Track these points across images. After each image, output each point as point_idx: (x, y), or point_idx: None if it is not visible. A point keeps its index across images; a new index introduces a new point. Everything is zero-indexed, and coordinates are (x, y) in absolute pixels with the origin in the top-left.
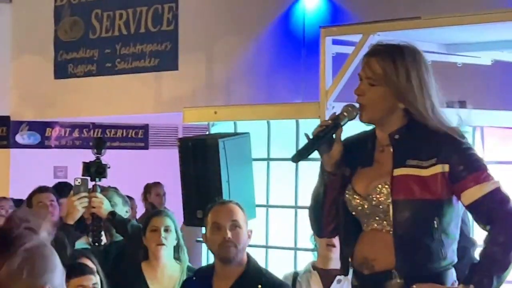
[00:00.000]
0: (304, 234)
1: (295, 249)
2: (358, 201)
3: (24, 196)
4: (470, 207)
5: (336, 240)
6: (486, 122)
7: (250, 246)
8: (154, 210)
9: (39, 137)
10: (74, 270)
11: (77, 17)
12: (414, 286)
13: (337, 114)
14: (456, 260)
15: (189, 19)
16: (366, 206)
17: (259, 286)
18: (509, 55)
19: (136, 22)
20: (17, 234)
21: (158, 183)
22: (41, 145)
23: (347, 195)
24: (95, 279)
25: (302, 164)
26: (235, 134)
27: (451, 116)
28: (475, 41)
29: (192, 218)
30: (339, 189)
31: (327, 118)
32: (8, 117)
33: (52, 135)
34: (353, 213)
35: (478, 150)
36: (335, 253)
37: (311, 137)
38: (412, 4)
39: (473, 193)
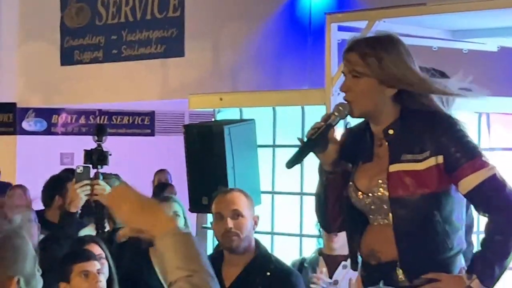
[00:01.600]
0: (310, 221)
1: (301, 235)
2: (361, 197)
3: (30, 183)
4: (468, 196)
5: None
6: (492, 109)
7: (255, 232)
8: (162, 196)
9: (45, 123)
10: (78, 255)
11: (83, 4)
12: (422, 277)
13: (328, 114)
14: (465, 246)
15: (195, 6)
16: (368, 202)
17: (268, 273)
18: None
19: (142, 9)
20: None
21: (164, 170)
22: (47, 131)
23: (349, 192)
24: (99, 264)
25: None
26: (241, 120)
27: (456, 103)
28: (481, 27)
29: (197, 204)
30: (341, 186)
31: (332, 104)
32: (14, 104)
33: (59, 122)
34: (359, 208)
35: (485, 137)
36: (336, 243)
37: (305, 140)
38: None
39: (470, 182)
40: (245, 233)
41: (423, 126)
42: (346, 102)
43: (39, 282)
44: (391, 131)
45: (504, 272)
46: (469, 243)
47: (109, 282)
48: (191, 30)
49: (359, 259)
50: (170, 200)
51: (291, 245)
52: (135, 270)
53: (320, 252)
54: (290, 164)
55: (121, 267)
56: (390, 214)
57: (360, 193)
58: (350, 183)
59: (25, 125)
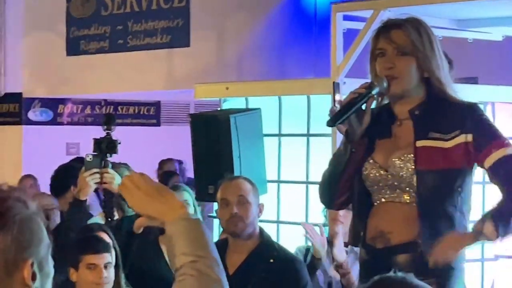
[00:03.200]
0: (315, 209)
1: None
2: (378, 172)
3: (36, 173)
4: (491, 168)
5: (341, 217)
6: (497, 98)
7: (261, 221)
8: (172, 185)
9: (51, 114)
10: (88, 246)
11: None
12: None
13: (368, 83)
14: None
15: None
16: (386, 178)
17: (271, 260)
18: None
19: None
20: (9, 205)
21: (171, 159)
22: (53, 122)
23: (366, 167)
24: (109, 257)
25: (313, 140)
26: (247, 110)
27: (462, 92)
28: (486, 16)
29: (203, 193)
30: (360, 161)
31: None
32: (20, 94)
33: (65, 112)
34: (371, 185)
35: None
36: (338, 227)
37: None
38: None
39: (496, 155)
40: (249, 218)
41: (450, 110)
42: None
43: (51, 270)
44: (417, 112)
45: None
46: None
47: (116, 270)
48: (196, 20)
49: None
50: (180, 189)
51: (297, 233)
52: (145, 259)
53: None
54: (331, 122)
55: (130, 255)
56: (411, 189)
57: (377, 167)
58: (369, 157)
59: (31, 115)
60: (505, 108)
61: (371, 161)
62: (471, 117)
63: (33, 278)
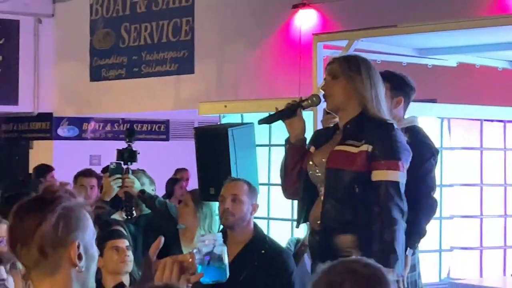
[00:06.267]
0: None
1: (292, 220)
2: (314, 169)
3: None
4: (374, 183)
5: None
6: (452, 114)
7: (254, 218)
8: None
9: (77, 130)
10: (110, 234)
11: (109, 29)
12: None
13: (303, 98)
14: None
15: (203, 30)
16: (318, 174)
17: (263, 251)
18: (472, 58)
19: (158, 33)
20: (58, 195)
21: (185, 169)
22: (79, 137)
23: (308, 167)
24: (127, 242)
25: None
26: (242, 124)
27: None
28: (442, 46)
29: (206, 194)
30: (299, 155)
31: (318, 110)
32: (51, 114)
33: (88, 129)
34: (313, 181)
35: (446, 138)
36: None
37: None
38: (390, 13)
39: (379, 174)
40: (240, 214)
41: (368, 124)
42: (319, 95)
43: (96, 254)
44: (348, 126)
45: None
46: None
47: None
48: (200, 50)
49: (305, 226)
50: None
51: (284, 228)
52: (165, 247)
53: None
54: (261, 122)
55: (145, 247)
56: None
57: (314, 165)
58: (310, 159)
59: (60, 131)
60: (459, 124)
61: (310, 162)
62: (379, 131)
63: (79, 258)
